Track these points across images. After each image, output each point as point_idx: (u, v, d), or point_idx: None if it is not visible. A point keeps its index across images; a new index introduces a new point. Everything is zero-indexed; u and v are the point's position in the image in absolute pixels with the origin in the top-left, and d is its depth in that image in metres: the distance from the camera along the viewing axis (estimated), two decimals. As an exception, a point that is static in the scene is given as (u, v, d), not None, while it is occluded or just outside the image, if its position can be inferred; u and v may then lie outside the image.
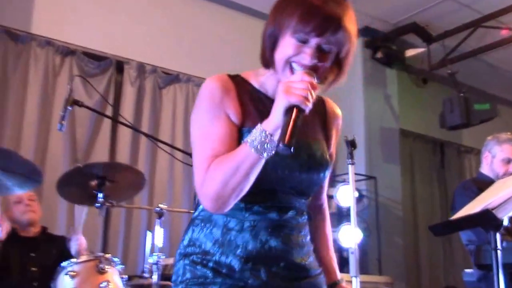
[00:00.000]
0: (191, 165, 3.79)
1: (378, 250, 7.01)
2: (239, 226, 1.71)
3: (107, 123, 5.61)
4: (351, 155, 4.28)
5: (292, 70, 1.67)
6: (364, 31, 7.62)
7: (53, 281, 3.65)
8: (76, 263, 3.63)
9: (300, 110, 1.52)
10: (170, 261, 4.87)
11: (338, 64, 1.76)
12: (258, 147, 1.54)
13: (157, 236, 3.92)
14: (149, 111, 6.03)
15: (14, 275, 4.14)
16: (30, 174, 3.78)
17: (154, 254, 3.86)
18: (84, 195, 4.00)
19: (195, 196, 1.76)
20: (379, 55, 7.66)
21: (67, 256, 4.16)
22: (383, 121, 7.67)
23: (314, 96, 1.56)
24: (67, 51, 5.64)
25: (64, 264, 3.64)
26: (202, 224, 1.76)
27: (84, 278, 3.59)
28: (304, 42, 1.65)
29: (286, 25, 1.67)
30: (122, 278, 3.75)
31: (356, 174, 6.97)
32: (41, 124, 5.35)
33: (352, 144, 4.23)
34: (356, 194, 6.45)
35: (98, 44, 5.86)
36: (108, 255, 3.77)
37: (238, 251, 1.69)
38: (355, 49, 1.77)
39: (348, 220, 6.34)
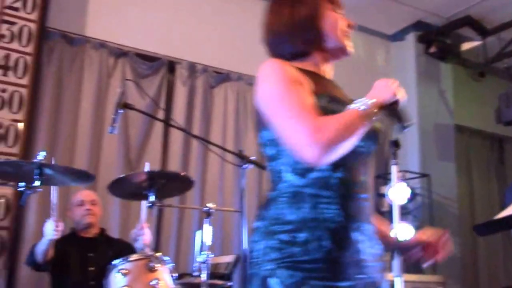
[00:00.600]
0: (241, 166, 3.87)
1: None
2: (328, 198, 1.73)
3: (159, 124, 5.69)
4: (394, 155, 4.26)
5: (344, 34, 2.00)
6: (417, 26, 7.55)
7: (106, 278, 3.71)
8: (128, 261, 3.68)
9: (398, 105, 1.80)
10: (220, 259, 4.96)
11: None
12: (367, 113, 1.70)
13: (206, 235, 3.94)
14: (200, 110, 6.08)
15: (73, 274, 4.27)
16: (84, 177, 3.96)
17: (203, 253, 3.88)
18: (135, 195, 4.11)
19: (276, 174, 1.82)
20: (432, 49, 7.52)
21: (121, 250, 4.35)
22: (437, 117, 7.54)
23: None
24: (120, 53, 5.75)
25: (115, 262, 3.69)
26: (288, 200, 1.75)
27: (135, 276, 3.64)
28: (337, 11, 2.02)
29: (324, 5, 1.97)
30: (172, 276, 3.79)
31: (409, 172, 7.02)
32: (95, 125, 5.46)
33: (396, 145, 4.21)
34: (409, 192, 6.49)
35: (150, 45, 5.96)
36: (158, 254, 3.82)
37: (327, 224, 1.70)
38: None
39: (401, 218, 6.35)
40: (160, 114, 5.68)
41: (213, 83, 6.27)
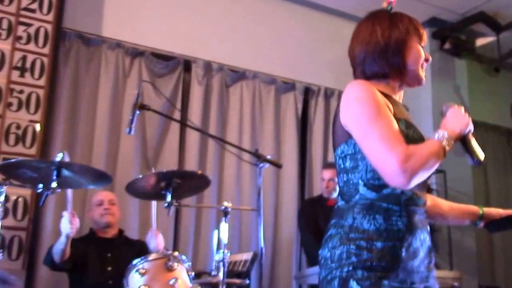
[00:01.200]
0: (257, 165, 3.90)
1: (448, 244, 6.92)
2: (399, 211, 1.94)
3: (175, 124, 5.69)
4: None
5: (422, 68, 2.18)
6: (431, 22, 7.50)
7: (125, 278, 3.73)
8: (146, 261, 3.70)
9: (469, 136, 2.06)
10: (238, 257, 4.95)
11: None
12: (445, 145, 1.93)
13: (223, 234, 3.95)
14: (216, 108, 6.08)
15: (91, 274, 4.32)
16: (101, 177, 3.97)
17: (220, 251, 3.88)
18: (152, 195, 4.12)
19: (352, 186, 2.00)
20: (447, 45, 7.50)
21: (139, 250, 4.40)
22: None
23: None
24: (136, 53, 5.75)
25: (134, 262, 3.71)
26: (364, 212, 1.94)
27: (154, 275, 3.66)
28: (421, 45, 2.18)
29: (413, 36, 2.14)
30: (189, 275, 3.79)
31: None
32: (112, 124, 5.47)
33: None
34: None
35: (166, 45, 5.96)
36: (176, 253, 3.82)
37: (400, 234, 1.91)
38: None
39: None
40: (177, 114, 5.70)
41: (229, 82, 6.27)
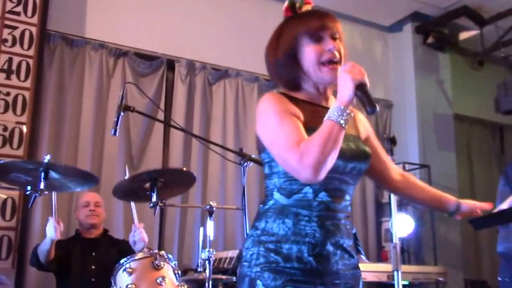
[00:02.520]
0: (241, 164, 4.03)
1: (433, 239, 7.08)
2: (308, 216, 2.04)
3: (160, 123, 5.87)
4: (391, 152, 4.43)
5: (325, 67, 2.14)
6: (414, 17, 7.72)
7: (113, 277, 3.89)
8: (133, 260, 3.86)
9: (366, 85, 1.97)
10: (223, 254, 5.16)
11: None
12: (339, 118, 1.91)
13: (209, 232, 4.09)
14: (200, 106, 6.29)
15: (75, 272, 4.54)
16: (88, 178, 4.15)
17: (205, 250, 4.01)
18: (138, 197, 4.30)
19: (268, 191, 2.14)
20: (430, 40, 7.70)
21: (122, 257, 4.57)
22: (436, 107, 7.72)
23: None
24: (120, 53, 5.97)
25: (122, 261, 3.87)
26: (275, 215, 2.07)
27: (141, 274, 3.81)
28: (319, 40, 2.15)
29: (303, 38, 2.15)
30: (176, 273, 3.96)
31: (408, 163, 7.17)
32: (97, 124, 5.68)
33: (392, 141, 4.39)
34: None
35: (149, 45, 6.18)
36: (162, 252, 3.99)
37: (307, 239, 2.01)
38: None
39: (401, 209, 6.53)
40: (161, 113, 5.89)
41: (212, 80, 6.50)
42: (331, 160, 1.91)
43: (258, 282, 2.00)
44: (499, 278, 4.01)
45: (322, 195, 2.06)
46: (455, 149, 7.83)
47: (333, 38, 2.17)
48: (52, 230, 4.13)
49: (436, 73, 7.92)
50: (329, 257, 2.04)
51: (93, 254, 4.68)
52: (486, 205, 2.50)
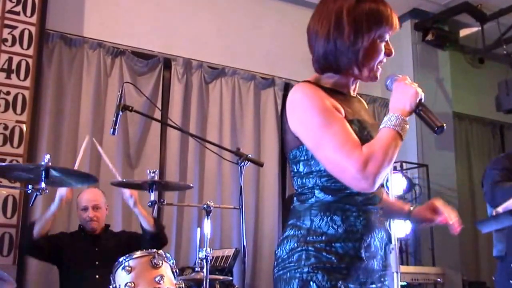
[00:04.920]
0: (237, 163, 4.25)
1: (431, 239, 7.25)
2: (356, 212, 2.07)
3: (157, 122, 6.12)
4: None
5: (377, 67, 2.19)
6: (413, 13, 7.92)
7: (112, 275, 4.12)
8: (132, 258, 4.08)
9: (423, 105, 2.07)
10: (220, 253, 5.43)
11: None
12: (397, 127, 1.98)
13: (206, 231, 4.28)
14: (196, 105, 6.60)
15: (78, 268, 4.83)
16: (87, 178, 4.42)
17: (203, 249, 4.22)
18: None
19: (308, 189, 2.12)
20: (429, 37, 7.88)
21: (125, 249, 4.76)
22: (435, 105, 7.80)
23: None
24: (117, 52, 6.28)
25: (121, 259, 4.10)
26: (321, 213, 2.06)
27: (139, 272, 4.03)
28: (385, 40, 2.17)
29: (373, 32, 2.12)
30: (174, 272, 4.19)
31: (407, 162, 7.39)
32: (95, 123, 5.99)
33: None
34: (404, 183, 6.94)
35: (146, 43, 6.50)
36: (160, 251, 4.19)
37: (358, 235, 2.05)
38: None
39: None
40: (157, 111, 6.19)
41: (208, 79, 6.81)
42: (388, 170, 1.97)
43: (312, 283, 1.99)
44: (493, 278, 4.34)
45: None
46: (454, 148, 8.01)
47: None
48: (64, 191, 4.51)
49: (436, 70, 8.11)
50: (376, 252, 2.11)
51: (97, 249, 4.95)
52: (435, 202, 2.54)
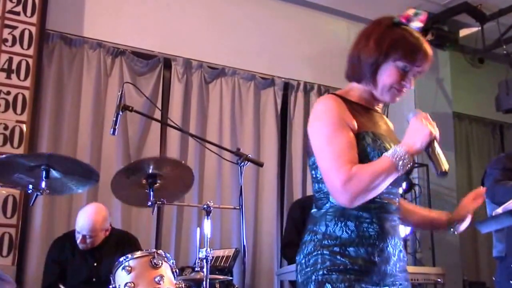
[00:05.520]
0: (237, 163, 4.24)
1: (431, 240, 7.27)
2: (369, 218, 2.16)
3: (157, 122, 6.11)
4: None
5: (390, 90, 2.28)
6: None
7: (112, 275, 4.15)
8: (132, 258, 4.11)
9: (437, 142, 2.14)
10: (220, 253, 5.44)
11: None
12: (399, 163, 2.05)
13: (206, 232, 4.27)
14: (196, 105, 6.62)
15: (77, 268, 4.86)
16: (88, 175, 4.39)
17: (203, 249, 4.21)
18: (137, 195, 4.58)
19: (324, 195, 2.22)
20: (429, 37, 7.81)
21: (122, 248, 4.87)
22: (435, 106, 7.89)
23: None
24: (117, 52, 6.30)
25: (121, 259, 4.13)
26: (336, 219, 2.17)
27: (139, 272, 4.06)
28: (405, 70, 2.25)
29: (392, 56, 2.22)
30: (174, 272, 4.22)
31: None
32: (95, 123, 6.01)
33: None
34: (404, 183, 6.92)
35: (146, 43, 6.51)
36: (160, 251, 4.22)
37: (371, 240, 2.14)
38: None
39: None
40: (158, 111, 6.20)
41: (208, 79, 6.83)
42: (371, 194, 2.08)
43: (327, 284, 2.10)
44: (493, 278, 4.36)
45: (379, 198, 2.17)
46: (454, 148, 8.01)
47: (414, 76, 2.29)
48: None
49: (436, 70, 8.08)
50: (390, 258, 2.18)
51: (95, 264, 4.91)
52: (477, 192, 2.63)
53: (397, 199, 2.30)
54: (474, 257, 8.31)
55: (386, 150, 2.14)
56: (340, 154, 2.10)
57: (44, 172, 3.88)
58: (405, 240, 7.17)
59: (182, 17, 6.78)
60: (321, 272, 2.11)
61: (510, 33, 7.77)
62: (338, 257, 2.11)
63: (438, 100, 8.04)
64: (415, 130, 2.12)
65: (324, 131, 2.17)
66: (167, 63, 6.61)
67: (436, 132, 2.12)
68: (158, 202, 4.32)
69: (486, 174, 4.54)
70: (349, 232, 2.14)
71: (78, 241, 4.85)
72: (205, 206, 4.43)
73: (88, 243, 4.86)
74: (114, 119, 4.10)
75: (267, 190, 6.79)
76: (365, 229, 2.15)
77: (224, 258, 5.32)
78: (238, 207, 4.41)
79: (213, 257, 4.83)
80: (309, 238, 2.21)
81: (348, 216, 2.16)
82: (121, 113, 4.12)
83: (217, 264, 5.33)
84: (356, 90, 2.35)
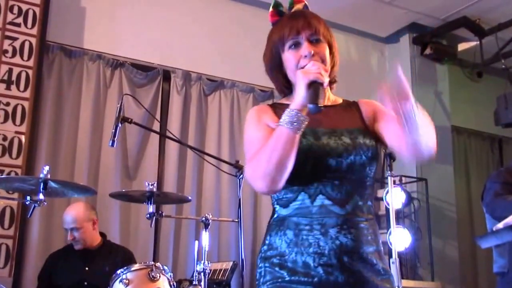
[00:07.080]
0: (236, 176, 4.25)
1: (430, 254, 7.23)
2: (309, 225, 2.01)
3: (155, 134, 6.14)
4: (390, 167, 4.63)
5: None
6: (412, 28, 7.95)
7: (109, 287, 4.16)
8: (130, 271, 4.13)
9: (319, 83, 1.94)
10: (218, 266, 5.44)
11: (333, 54, 2.27)
12: (289, 123, 1.91)
13: (204, 244, 4.33)
14: (195, 117, 6.62)
15: (69, 274, 4.85)
16: (85, 190, 4.45)
17: (201, 262, 4.27)
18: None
19: (272, 205, 2.17)
20: (428, 51, 7.93)
21: (115, 257, 4.90)
22: (434, 119, 7.45)
23: (327, 74, 2.02)
24: (117, 64, 6.31)
25: (118, 271, 4.14)
26: (277, 228, 2.09)
27: (137, 285, 4.08)
28: (297, 45, 2.17)
29: (281, 45, 2.21)
30: (172, 285, 4.23)
31: (406, 176, 7.33)
32: (94, 134, 6.00)
33: (391, 157, 4.60)
34: (403, 197, 6.93)
35: (145, 55, 6.53)
36: (158, 264, 4.25)
37: (311, 249, 1.98)
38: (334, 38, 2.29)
39: (398, 222, 6.68)
40: (156, 123, 6.22)
41: (207, 91, 6.84)
42: (284, 168, 1.92)
43: None
44: None
45: (321, 199, 2.02)
46: (453, 162, 8.02)
47: (310, 41, 2.17)
48: None
49: (434, 84, 8.13)
50: (343, 267, 1.98)
51: (86, 268, 4.90)
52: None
53: (355, 196, 2.08)
54: (473, 272, 8.28)
55: (309, 143, 2.05)
56: (251, 149, 2.07)
57: (41, 184, 3.88)
58: (404, 254, 7.16)
59: (181, 29, 6.81)
60: (263, 287, 2.05)
61: (508, 47, 7.79)
62: (277, 269, 2.02)
63: (437, 113, 8.01)
64: (297, 82, 1.99)
65: (246, 136, 2.18)
66: (166, 75, 6.63)
67: (315, 73, 1.95)
68: (156, 215, 4.34)
69: (485, 188, 4.54)
70: (288, 241, 2.03)
71: (69, 239, 4.89)
72: (203, 218, 4.47)
73: (78, 238, 4.88)
74: (113, 130, 4.12)
75: (266, 203, 6.73)
76: (304, 237, 2.01)
77: (222, 271, 5.31)
78: (236, 220, 4.46)
79: (211, 270, 4.81)
80: (259, 250, 2.17)
81: (288, 224, 2.06)
82: (120, 124, 4.13)
83: (215, 277, 5.30)
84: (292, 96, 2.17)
